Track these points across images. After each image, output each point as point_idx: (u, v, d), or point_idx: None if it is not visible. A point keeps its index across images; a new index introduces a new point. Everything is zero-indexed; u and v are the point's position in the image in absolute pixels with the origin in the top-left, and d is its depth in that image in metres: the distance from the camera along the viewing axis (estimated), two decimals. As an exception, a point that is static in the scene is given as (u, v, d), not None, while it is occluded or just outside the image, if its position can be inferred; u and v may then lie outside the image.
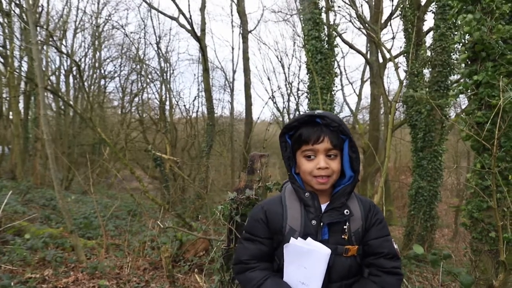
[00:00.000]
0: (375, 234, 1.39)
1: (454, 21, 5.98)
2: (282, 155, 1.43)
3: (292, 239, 1.34)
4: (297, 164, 1.40)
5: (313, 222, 1.35)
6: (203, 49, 13.51)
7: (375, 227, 1.40)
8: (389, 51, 7.68)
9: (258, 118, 19.47)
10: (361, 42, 45.31)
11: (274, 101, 19.23)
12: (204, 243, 5.68)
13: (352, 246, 1.35)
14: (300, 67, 18.79)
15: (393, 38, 19.83)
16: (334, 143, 1.33)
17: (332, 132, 1.33)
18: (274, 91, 19.47)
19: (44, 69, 14.02)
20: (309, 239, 1.33)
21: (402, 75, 12.00)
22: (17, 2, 11.08)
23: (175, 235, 5.48)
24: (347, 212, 1.35)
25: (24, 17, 11.18)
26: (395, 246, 1.41)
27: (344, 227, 1.34)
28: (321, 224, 1.34)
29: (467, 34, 4.48)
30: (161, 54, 18.16)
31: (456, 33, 8.75)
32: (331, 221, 1.34)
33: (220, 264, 2.83)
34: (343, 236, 1.34)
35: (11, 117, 14.24)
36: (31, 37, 4.11)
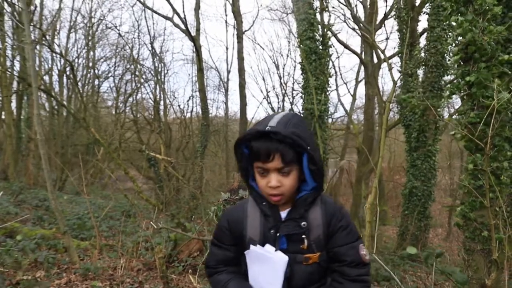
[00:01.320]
0: (339, 241, 1.36)
1: (448, 22, 6.03)
2: (238, 165, 1.39)
3: (251, 246, 1.35)
4: (254, 174, 1.36)
5: (271, 231, 1.35)
6: (197, 49, 13.48)
7: (339, 233, 1.36)
8: (383, 52, 7.72)
9: (253, 118, 19.46)
10: (355, 42, 45.61)
11: (269, 101, 19.21)
12: (198, 243, 5.66)
13: (312, 254, 1.33)
14: (295, 67, 18.81)
15: (387, 38, 19.97)
16: (286, 160, 1.23)
17: (285, 147, 1.22)
18: (269, 91, 19.47)
19: (37, 68, 13.89)
20: (268, 245, 1.34)
21: (396, 75, 12.06)
22: (9, 1, 10.97)
23: (169, 236, 5.46)
24: (304, 224, 1.33)
25: (16, 16, 11.08)
26: (362, 252, 1.37)
27: (303, 236, 1.33)
28: (278, 234, 1.34)
29: (460, 35, 4.52)
30: (155, 54, 18.11)
31: (449, 34, 8.82)
32: (287, 233, 1.33)
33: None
34: (301, 246, 1.33)
35: (3, 117, 14.11)
36: (25, 36, 4.06)
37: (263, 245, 1.34)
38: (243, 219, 1.40)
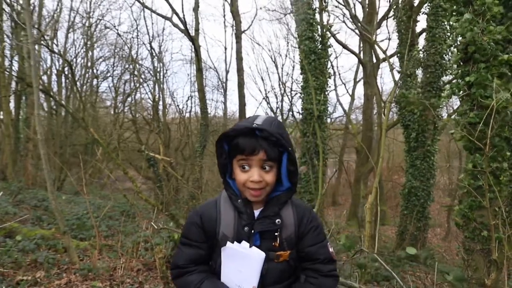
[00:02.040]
0: (310, 241, 1.42)
1: (447, 22, 6.04)
2: (217, 161, 1.42)
3: (228, 243, 1.36)
4: (232, 171, 1.40)
5: (246, 228, 1.37)
6: (196, 49, 13.47)
7: (310, 234, 1.42)
8: (384, 52, 7.72)
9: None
10: (353, 42, 45.66)
11: (268, 101, 19.23)
12: (198, 243, 5.65)
13: (283, 252, 1.38)
14: (293, 67, 18.84)
15: (389, 39, 19.88)
16: (270, 156, 1.30)
17: (269, 144, 1.30)
18: (268, 91, 19.49)
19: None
20: (244, 243, 1.36)
21: (396, 76, 12.07)
22: (8, 1, 10.94)
23: (169, 236, 5.45)
24: (278, 221, 1.37)
25: (15, 16, 11.05)
26: (331, 250, 1.45)
27: (276, 234, 1.37)
28: (252, 231, 1.36)
29: (460, 36, 4.53)
30: (154, 54, 18.09)
31: (448, 34, 8.84)
32: (262, 230, 1.36)
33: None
34: (274, 243, 1.37)
35: (1, 117, 14.06)
36: (25, 36, 4.05)
37: (236, 242, 1.36)
38: (216, 216, 1.41)
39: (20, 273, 4.18)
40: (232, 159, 1.39)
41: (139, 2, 15.09)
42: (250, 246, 1.35)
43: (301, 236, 1.42)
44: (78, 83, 17.87)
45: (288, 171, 1.36)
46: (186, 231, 1.47)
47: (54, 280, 4.24)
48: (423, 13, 9.71)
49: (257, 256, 1.34)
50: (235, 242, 1.36)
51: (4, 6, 12.01)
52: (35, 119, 4.42)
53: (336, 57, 19.64)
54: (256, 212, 1.40)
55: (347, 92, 23.95)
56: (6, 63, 13.03)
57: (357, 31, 15.12)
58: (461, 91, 4.74)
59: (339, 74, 29.39)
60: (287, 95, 18.45)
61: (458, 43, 4.63)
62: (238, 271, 1.36)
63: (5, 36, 12.57)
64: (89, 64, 19.36)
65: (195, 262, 1.43)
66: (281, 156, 1.35)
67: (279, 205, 1.40)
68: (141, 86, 19.64)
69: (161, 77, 18.69)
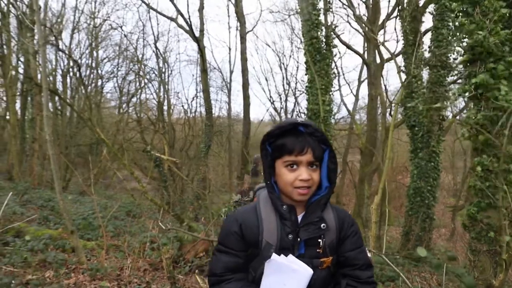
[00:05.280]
0: (350, 246, 1.39)
1: (454, 23, 6.02)
2: (263, 163, 1.38)
3: (274, 255, 1.30)
4: (276, 172, 1.36)
5: (290, 236, 1.33)
6: (201, 50, 13.51)
7: (350, 239, 1.40)
8: (391, 53, 7.70)
9: (262, 120, 19.55)
10: (358, 42, 45.51)
11: (272, 101, 19.26)
12: (204, 244, 5.68)
13: (326, 258, 1.35)
14: (297, 67, 18.83)
15: (397, 41, 19.74)
16: (316, 154, 1.30)
17: (315, 142, 1.30)
18: (278, 93, 19.52)
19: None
20: (291, 256, 1.31)
21: (402, 76, 12.03)
22: (15, 2, 11.02)
23: (175, 236, 5.48)
24: (323, 226, 1.34)
25: (20, 17, 11.12)
26: (369, 255, 1.43)
27: (319, 240, 1.34)
28: (298, 239, 1.33)
29: (467, 36, 4.52)
30: (159, 55, 18.15)
31: (454, 34, 8.80)
32: (308, 237, 1.33)
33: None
34: (318, 250, 1.34)
35: (8, 117, 14.17)
36: (38, 38, 4.09)
37: (280, 251, 1.32)
38: (258, 223, 1.35)
39: (29, 272, 4.23)
40: (274, 160, 1.36)
41: (145, 3, 15.16)
42: (295, 255, 1.32)
43: (342, 240, 1.40)
44: (84, 83, 17.93)
45: (328, 170, 1.35)
46: (223, 238, 1.40)
47: (63, 280, 4.28)
48: (428, 12, 9.68)
49: (305, 272, 1.29)
50: (282, 255, 1.31)
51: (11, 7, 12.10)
52: (43, 119, 4.46)
53: (340, 57, 19.61)
54: (299, 218, 1.36)
55: (351, 92, 23.92)
56: (12, 63, 13.12)
57: (361, 31, 15.10)
58: (468, 92, 4.73)
59: (343, 74, 29.34)
60: (292, 95, 18.46)
61: (465, 43, 4.63)
62: (281, 285, 1.29)
63: (11, 38, 12.66)
64: (94, 64, 19.46)
65: (232, 271, 1.37)
66: (323, 154, 1.34)
67: (320, 208, 1.36)
68: (146, 87, 19.73)
69: (166, 77, 18.77)
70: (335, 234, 1.38)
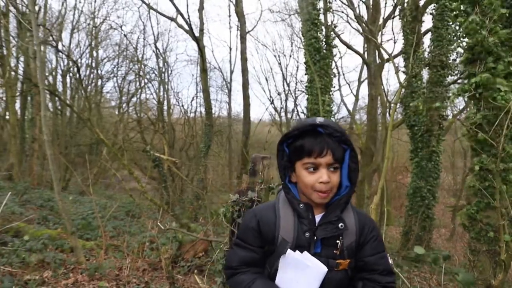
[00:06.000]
0: (370, 251, 1.37)
1: (453, 23, 6.01)
2: (278, 163, 1.38)
3: (289, 251, 1.31)
4: (295, 174, 1.35)
5: (306, 234, 1.32)
6: (201, 50, 13.51)
7: (370, 243, 1.37)
8: (389, 54, 7.70)
9: (261, 120, 19.55)
10: (358, 42, 45.44)
11: (271, 100, 19.27)
12: (204, 244, 5.68)
13: (343, 260, 1.33)
14: (298, 67, 18.84)
15: (395, 42, 19.84)
16: (336, 156, 1.27)
17: (335, 142, 1.27)
18: (274, 92, 19.52)
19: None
20: (306, 253, 1.31)
21: (401, 77, 12.03)
22: (14, 2, 11.01)
23: (174, 236, 5.47)
24: (341, 226, 1.31)
25: (19, 16, 11.11)
26: (390, 262, 1.39)
27: (337, 241, 1.32)
28: (315, 237, 1.32)
29: (466, 36, 4.51)
30: (159, 54, 18.15)
31: (454, 34, 8.79)
32: (325, 236, 1.31)
33: (222, 266, 2.85)
34: (335, 251, 1.32)
35: (7, 117, 14.16)
36: (29, 37, 4.09)
37: (296, 248, 1.31)
38: (275, 220, 1.36)
39: (28, 272, 4.22)
40: (293, 162, 1.34)
41: (145, 3, 15.16)
42: (310, 253, 1.31)
43: (362, 244, 1.37)
44: (83, 83, 17.94)
45: (349, 169, 1.33)
46: (241, 233, 1.42)
47: (61, 280, 4.28)
48: (428, 13, 9.67)
49: (319, 269, 1.28)
50: (297, 251, 1.31)
51: (10, 7, 12.09)
52: (41, 119, 4.45)
53: (341, 57, 19.63)
54: (317, 218, 1.35)
55: (351, 92, 23.94)
56: (12, 63, 13.12)
57: (361, 31, 15.09)
58: (467, 92, 4.72)
59: (343, 74, 29.35)
60: (292, 95, 18.45)
61: (464, 43, 4.62)
62: (295, 281, 1.30)
63: (10, 37, 12.65)
64: (93, 64, 19.45)
65: (248, 264, 1.39)
66: (343, 154, 1.31)
67: (340, 208, 1.34)
68: (145, 87, 19.73)
69: (166, 77, 18.76)
70: (355, 237, 1.35)
